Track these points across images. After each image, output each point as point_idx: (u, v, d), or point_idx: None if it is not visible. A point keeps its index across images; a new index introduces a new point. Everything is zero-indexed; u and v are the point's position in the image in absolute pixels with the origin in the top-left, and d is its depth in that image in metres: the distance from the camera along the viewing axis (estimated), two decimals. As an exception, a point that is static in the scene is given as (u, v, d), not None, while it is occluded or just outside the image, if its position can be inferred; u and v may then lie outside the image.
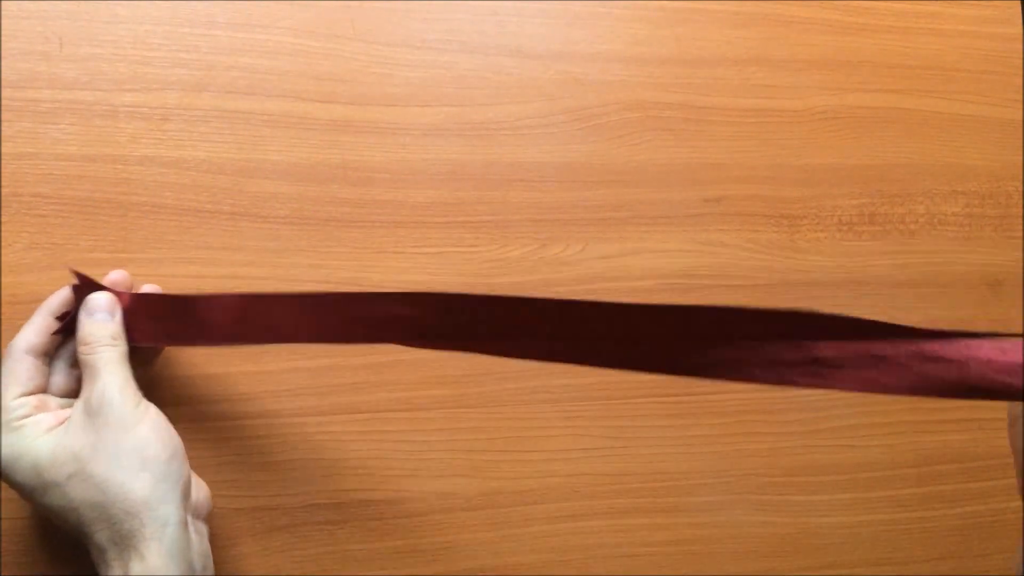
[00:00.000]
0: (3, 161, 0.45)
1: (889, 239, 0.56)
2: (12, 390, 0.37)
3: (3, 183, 0.44)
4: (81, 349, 0.38)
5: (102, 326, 0.38)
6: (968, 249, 0.57)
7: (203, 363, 0.45)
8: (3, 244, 0.44)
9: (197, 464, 0.45)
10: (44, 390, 0.39)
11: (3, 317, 0.44)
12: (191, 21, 0.48)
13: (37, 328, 0.39)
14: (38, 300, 0.44)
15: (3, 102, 0.45)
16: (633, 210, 0.52)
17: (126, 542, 0.34)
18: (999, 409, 0.56)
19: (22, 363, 0.38)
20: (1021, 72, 0.60)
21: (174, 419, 0.45)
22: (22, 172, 0.45)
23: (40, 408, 0.37)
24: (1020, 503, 0.55)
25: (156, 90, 0.47)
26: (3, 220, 0.44)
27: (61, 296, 0.40)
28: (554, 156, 0.52)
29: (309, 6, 0.49)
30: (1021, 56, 0.61)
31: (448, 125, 0.50)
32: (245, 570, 0.45)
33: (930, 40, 0.59)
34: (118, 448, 0.35)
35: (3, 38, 0.45)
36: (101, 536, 0.35)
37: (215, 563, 0.44)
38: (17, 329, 0.43)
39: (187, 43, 0.47)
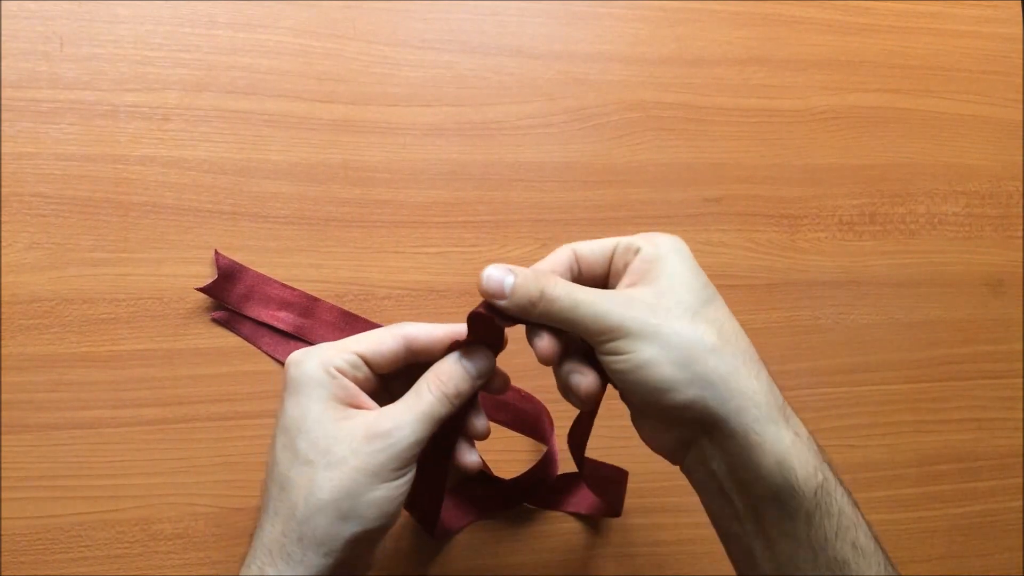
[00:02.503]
0: (3, 161, 0.45)
1: (889, 239, 0.56)
2: None
3: (3, 183, 0.44)
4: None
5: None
6: (968, 249, 0.57)
7: (203, 363, 0.45)
8: (3, 244, 0.44)
9: (197, 464, 0.45)
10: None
11: (3, 317, 0.44)
12: (192, 21, 0.48)
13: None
14: (38, 300, 0.44)
15: (3, 102, 0.45)
16: (633, 210, 0.52)
17: None
18: (999, 409, 0.57)
19: None
20: (1021, 72, 0.60)
21: (174, 420, 0.45)
22: (22, 172, 0.45)
23: None
24: (1020, 503, 0.55)
25: (157, 90, 0.47)
26: (3, 220, 0.44)
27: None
28: (554, 156, 0.52)
29: (310, 6, 0.49)
30: (1021, 56, 0.61)
31: (448, 125, 0.50)
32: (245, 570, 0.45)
33: (930, 40, 0.59)
34: None
35: (4, 38, 0.45)
36: None
37: (213, 563, 0.44)
38: (17, 329, 0.44)
39: (188, 43, 0.47)
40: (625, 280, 0.33)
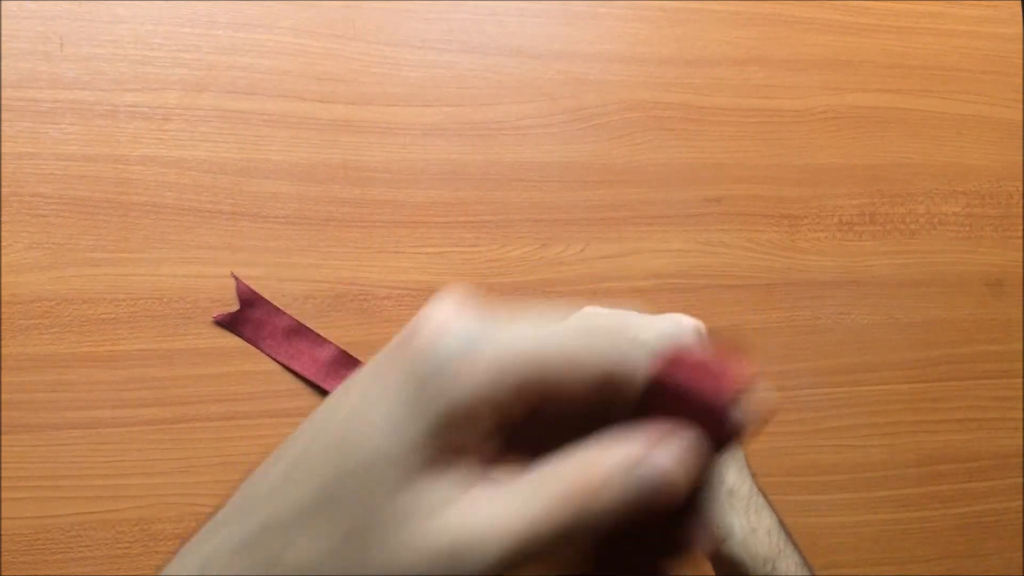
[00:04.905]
0: (3, 161, 0.45)
1: (889, 239, 0.56)
2: None
3: (3, 183, 0.44)
4: None
5: None
6: (968, 249, 0.57)
7: (203, 363, 0.45)
8: (3, 244, 0.44)
9: (197, 464, 0.45)
10: None
11: (3, 317, 0.44)
12: (192, 21, 0.48)
13: None
14: (38, 300, 0.44)
15: (4, 102, 0.45)
16: (633, 210, 0.52)
17: None
18: (999, 409, 0.57)
19: None
20: (1021, 72, 0.60)
21: (174, 420, 0.45)
22: (22, 172, 0.45)
23: None
24: (1020, 503, 0.55)
25: (157, 90, 0.47)
26: (3, 220, 0.44)
27: None
28: (554, 156, 0.52)
29: (309, 6, 0.49)
30: (1021, 56, 0.61)
31: (448, 125, 0.50)
32: None
33: (930, 40, 0.59)
34: None
35: (4, 38, 0.45)
36: None
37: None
38: (17, 329, 0.44)
39: (188, 43, 0.47)
40: None
